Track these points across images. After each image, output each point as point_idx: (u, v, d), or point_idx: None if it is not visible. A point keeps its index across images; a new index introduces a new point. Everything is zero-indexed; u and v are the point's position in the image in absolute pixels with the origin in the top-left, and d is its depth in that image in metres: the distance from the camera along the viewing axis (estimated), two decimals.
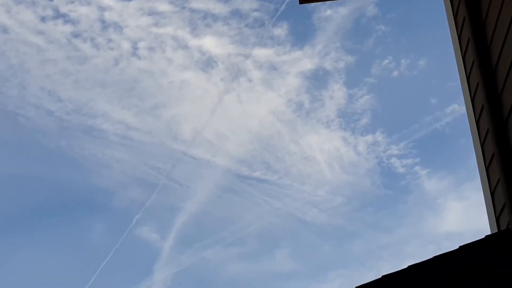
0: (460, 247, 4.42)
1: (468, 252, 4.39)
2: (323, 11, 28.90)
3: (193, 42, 28.76)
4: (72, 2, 27.75)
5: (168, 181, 30.61)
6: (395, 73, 30.02)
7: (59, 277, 33.49)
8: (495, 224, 5.00)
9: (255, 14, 28.90)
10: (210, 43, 28.76)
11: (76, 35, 28.13)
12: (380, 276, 4.46)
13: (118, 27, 28.53)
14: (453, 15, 5.77)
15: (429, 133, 29.93)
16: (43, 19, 27.95)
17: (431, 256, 4.54)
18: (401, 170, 30.48)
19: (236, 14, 28.66)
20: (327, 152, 30.73)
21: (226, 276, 33.18)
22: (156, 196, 30.46)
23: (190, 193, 31.09)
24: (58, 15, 27.99)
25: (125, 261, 32.50)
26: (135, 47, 28.43)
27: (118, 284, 33.53)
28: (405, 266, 4.50)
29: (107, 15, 28.31)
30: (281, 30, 29.05)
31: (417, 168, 30.61)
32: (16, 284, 32.71)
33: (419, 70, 30.11)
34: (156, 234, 32.04)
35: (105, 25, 28.40)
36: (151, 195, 30.73)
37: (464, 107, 5.75)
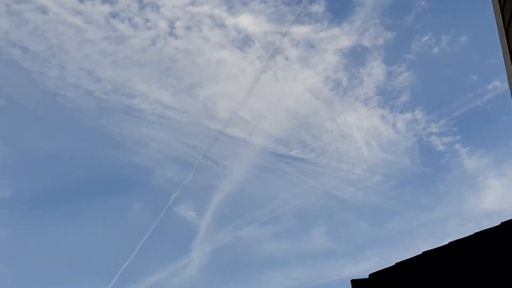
0: (502, 223, 4.37)
1: (510, 228, 4.34)
2: None
3: (230, 20, 28.71)
4: None
5: (205, 160, 30.77)
6: (435, 49, 29.59)
7: (100, 253, 33.97)
8: None
9: None
10: (247, 21, 28.67)
11: (114, 15, 28.28)
12: (420, 253, 4.44)
13: (155, 7, 28.60)
14: None
15: (469, 110, 29.49)
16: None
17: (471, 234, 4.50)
18: (440, 148, 30.15)
19: None
20: (365, 130, 30.53)
21: (262, 254, 33.34)
22: (193, 175, 30.65)
23: (226, 172, 31.23)
24: None
25: (163, 239, 32.84)
26: (172, 27, 28.50)
27: (157, 261, 33.93)
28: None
29: None
30: (318, 7, 28.82)
31: (457, 146, 30.23)
32: (60, 258, 33.35)
33: (460, 46, 29.64)
34: (193, 212, 32.30)
35: (142, 4, 28.50)
36: (188, 173, 30.94)
37: (506, 84, 5.64)
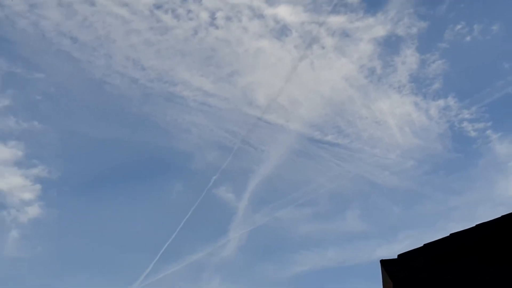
0: None
1: None
2: None
3: (268, 11, 28.70)
4: None
5: (243, 145, 30.91)
6: (468, 38, 29.22)
7: (144, 232, 34.42)
8: None
9: None
10: (285, 11, 28.63)
11: (158, 6, 28.48)
12: (448, 234, 4.46)
13: None
14: None
15: (501, 97, 29.09)
16: None
17: None
18: (472, 134, 29.83)
19: None
20: (398, 117, 30.34)
21: (298, 235, 33.42)
22: (232, 159, 30.83)
23: (264, 156, 31.34)
24: None
25: (203, 219, 33.13)
26: (213, 17, 28.62)
27: (197, 240, 34.23)
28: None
29: None
30: None
31: (488, 132, 29.88)
32: (107, 236, 33.85)
33: (492, 35, 29.21)
34: (231, 194, 32.50)
35: None
36: (227, 157, 31.11)
37: None
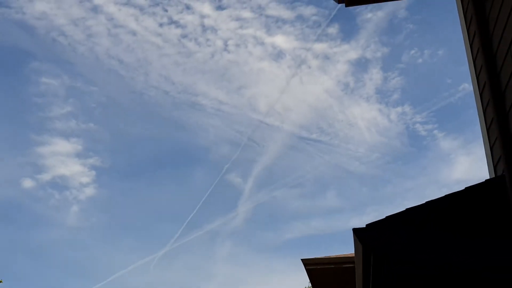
0: (466, 187, 4.35)
1: (472, 191, 4.32)
2: (365, 14, 28.24)
3: (268, 39, 28.66)
4: (181, 12, 28.04)
5: (249, 141, 30.90)
6: (420, 60, 29.20)
7: (173, 208, 34.49)
8: (493, 171, 4.88)
9: (314, 17, 28.50)
10: (280, 40, 28.59)
11: (184, 36, 28.49)
12: (404, 209, 4.43)
13: (214, 30, 28.70)
14: (463, 13, 5.58)
15: (445, 105, 29.13)
16: (160, 25, 28.37)
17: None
18: (423, 133, 29.79)
19: (300, 18, 28.35)
20: (366, 120, 30.28)
21: (290, 209, 33.44)
22: (240, 152, 30.85)
23: (264, 150, 31.35)
24: (171, 21, 28.34)
25: (218, 198, 33.19)
26: (226, 44, 28.61)
27: (213, 214, 34.23)
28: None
29: (206, 21, 28.50)
30: (333, 29, 28.60)
31: (435, 131, 29.86)
32: (145, 210, 33.88)
33: (438, 58, 29.21)
34: (240, 179, 32.53)
35: (204, 28, 28.62)
36: (237, 151, 31.14)
37: (471, 86, 5.58)
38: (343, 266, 11.29)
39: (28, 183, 31.46)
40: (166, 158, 34.44)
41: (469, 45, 5.49)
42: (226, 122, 30.95)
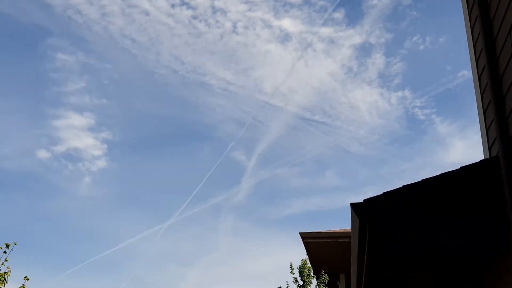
0: (461, 167, 4.28)
1: (466, 170, 4.25)
2: (370, 0, 27.85)
3: (275, 22, 28.29)
4: None
5: (254, 121, 30.74)
6: (422, 46, 28.80)
7: (180, 182, 34.56)
8: (488, 153, 4.80)
9: (321, 2, 28.06)
10: (287, 23, 28.22)
11: (194, 17, 28.11)
12: (401, 186, 4.37)
13: (223, 12, 28.32)
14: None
15: (444, 91, 28.84)
16: (172, 6, 28.02)
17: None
18: (421, 117, 29.58)
19: (307, 2, 27.91)
20: (368, 103, 30.06)
21: (290, 187, 33.42)
22: (245, 131, 30.72)
23: (268, 129, 31.20)
24: (183, 3, 27.99)
25: (222, 174, 33.17)
26: (234, 26, 28.24)
27: (218, 188, 34.27)
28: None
29: (216, 3, 28.11)
30: (339, 14, 28.16)
31: (433, 116, 29.64)
32: (153, 183, 33.98)
33: (439, 45, 28.81)
34: (244, 156, 32.45)
35: (214, 10, 28.24)
36: (242, 130, 31.01)
37: (471, 73, 5.47)
38: (339, 240, 11.33)
39: (43, 154, 31.53)
40: (174, 135, 34.42)
41: (470, 30, 5.36)
42: (232, 102, 30.81)
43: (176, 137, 34.43)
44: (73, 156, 31.79)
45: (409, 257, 4.99)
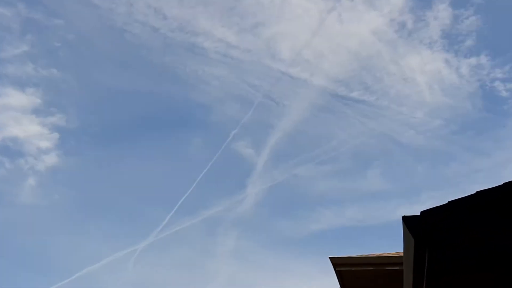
0: None
1: None
2: None
3: None
4: None
5: (265, 99, 30.82)
6: None
7: (160, 185, 34.75)
8: None
9: None
10: None
11: None
12: (474, 192, 4.40)
13: None
14: None
15: None
16: None
17: None
18: (504, 93, 29.43)
19: None
20: (428, 74, 29.99)
21: (316, 192, 33.52)
22: (253, 113, 30.81)
23: (285, 111, 31.27)
24: None
25: (221, 174, 33.36)
26: None
27: (214, 195, 34.48)
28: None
29: None
30: None
31: None
32: (123, 187, 34.25)
33: None
34: (251, 149, 32.60)
35: None
36: (248, 111, 31.10)
37: None
38: (386, 268, 11.37)
39: None
40: (153, 120, 34.60)
41: None
42: (235, 72, 30.88)
43: (156, 123, 34.68)
44: (12, 149, 32.14)
45: (470, 259, 5.09)
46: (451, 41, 29.31)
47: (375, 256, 11.73)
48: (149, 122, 34.61)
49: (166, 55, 31.15)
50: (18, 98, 30.98)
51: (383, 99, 29.77)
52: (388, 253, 11.80)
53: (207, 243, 33.56)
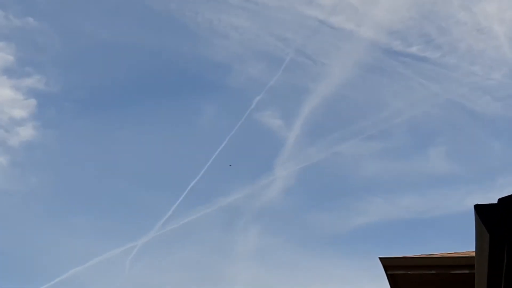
0: None
1: None
2: None
3: None
4: None
5: (298, 56, 30.77)
6: None
7: (166, 165, 34.88)
8: None
9: None
10: None
11: None
12: None
13: None
14: None
15: None
16: None
17: None
18: None
19: None
20: (508, 24, 29.73)
21: (364, 176, 33.55)
22: (282, 74, 30.78)
23: (325, 71, 31.20)
24: None
25: (241, 151, 33.45)
26: None
27: (232, 178, 34.52)
28: None
29: None
30: None
31: None
32: (117, 169, 34.44)
33: None
34: (279, 120, 32.63)
35: None
36: (276, 72, 31.08)
37: None
38: (451, 272, 11.42)
39: None
40: (155, 82, 34.66)
41: None
42: (259, 22, 30.82)
43: (159, 86, 34.74)
44: None
45: None
46: None
47: (438, 256, 11.76)
48: (150, 86, 34.66)
49: (172, 0, 31.18)
50: None
51: (450, 56, 29.62)
52: (455, 253, 11.83)
53: (223, 240, 33.81)
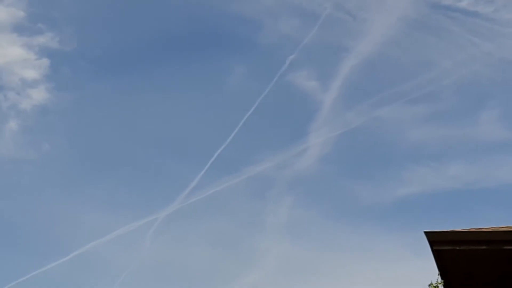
0: None
1: None
2: None
3: None
4: None
5: (336, 11, 30.68)
6: None
7: (191, 131, 35.02)
8: None
9: None
10: None
11: None
12: None
13: None
14: None
15: None
16: None
17: None
18: None
19: None
20: None
21: (407, 143, 33.49)
22: (318, 31, 30.73)
23: (365, 28, 31.09)
24: None
25: (273, 115, 33.50)
26: None
27: (263, 144, 34.62)
28: None
29: None
30: None
31: None
32: (138, 135, 34.63)
33: None
34: (315, 81, 32.61)
35: None
36: (311, 29, 31.04)
37: None
38: (503, 248, 11.42)
39: None
40: (178, 40, 34.71)
41: None
42: None
43: (182, 44, 34.79)
44: None
45: None
46: None
47: (488, 230, 11.76)
48: (173, 44, 34.74)
49: None
50: None
51: (505, 11, 29.36)
52: (507, 227, 11.83)
53: (252, 212, 34.01)
